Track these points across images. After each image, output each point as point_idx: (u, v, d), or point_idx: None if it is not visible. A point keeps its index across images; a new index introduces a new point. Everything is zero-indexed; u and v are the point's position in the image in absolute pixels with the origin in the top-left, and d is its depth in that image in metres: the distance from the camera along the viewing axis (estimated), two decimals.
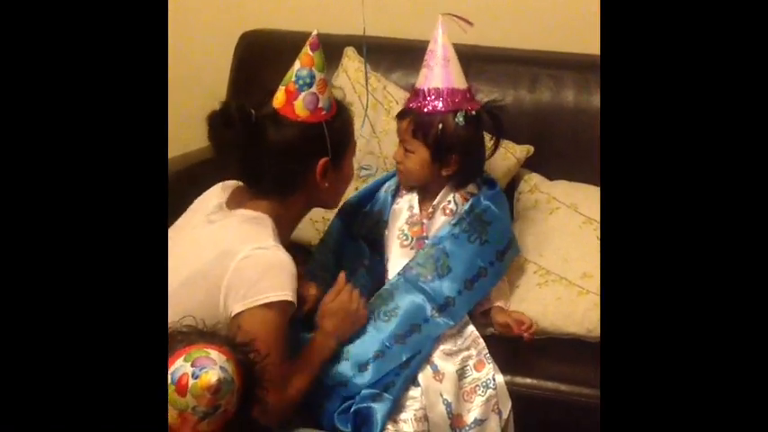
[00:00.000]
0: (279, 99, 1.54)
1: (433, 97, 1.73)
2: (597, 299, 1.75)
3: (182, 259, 1.50)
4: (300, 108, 1.52)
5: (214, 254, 1.49)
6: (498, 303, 1.78)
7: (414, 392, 1.63)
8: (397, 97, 2.07)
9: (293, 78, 1.52)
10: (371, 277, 1.80)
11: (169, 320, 1.24)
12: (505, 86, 2.11)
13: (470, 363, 1.68)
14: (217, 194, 1.63)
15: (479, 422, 1.63)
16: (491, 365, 1.67)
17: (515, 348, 1.73)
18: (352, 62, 2.14)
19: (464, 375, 1.66)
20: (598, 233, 1.84)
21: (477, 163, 1.80)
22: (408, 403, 1.62)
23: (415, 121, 1.74)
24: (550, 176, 2.05)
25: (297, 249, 1.54)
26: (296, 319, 1.58)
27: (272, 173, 1.55)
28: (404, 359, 1.63)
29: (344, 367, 1.63)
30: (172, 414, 1.12)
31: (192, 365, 1.13)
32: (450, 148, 1.73)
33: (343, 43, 2.13)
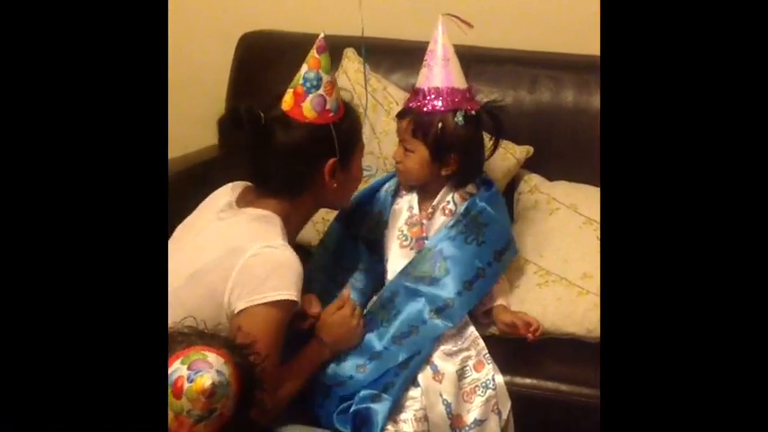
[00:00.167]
0: (287, 101, 1.56)
1: (432, 97, 1.73)
2: (597, 299, 1.75)
3: (190, 255, 1.53)
4: (308, 110, 1.55)
5: (223, 250, 1.51)
6: (500, 302, 1.78)
7: (414, 393, 1.63)
8: (397, 98, 2.07)
9: (301, 81, 1.55)
10: (371, 278, 1.80)
11: (175, 315, 1.25)
12: (505, 87, 2.11)
13: (470, 363, 1.68)
14: (226, 193, 1.65)
15: (479, 422, 1.63)
16: (491, 366, 1.67)
17: (515, 349, 1.73)
18: (352, 63, 2.14)
19: (464, 376, 1.66)
20: (598, 234, 1.84)
21: (476, 163, 1.81)
22: (408, 403, 1.62)
23: (414, 121, 1.74)
24: (550, 177, 2.05)
25: (297, 250, 1.55)
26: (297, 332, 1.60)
27: (280, 173, 1.58)
28: (401, 359, 1.64)
29: (342, 367, 1.64)
30: (168, 416, 1.12)
31: (189, 368, 1.14)
32: (449, 148, 1.73)
33: (343, 44, 2.13)
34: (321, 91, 1.55)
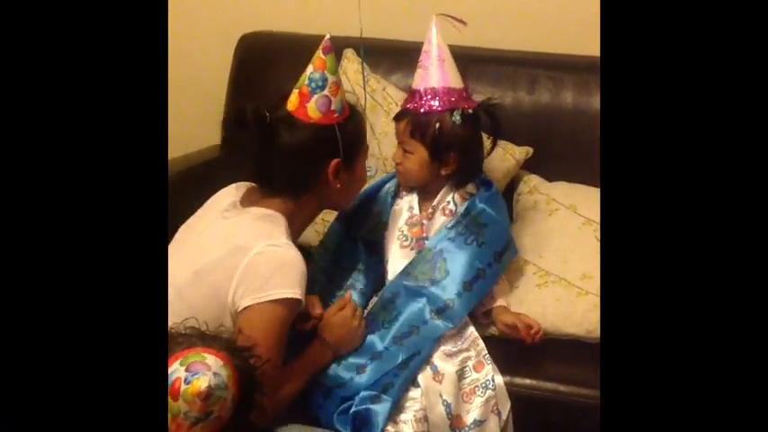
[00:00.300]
0: (292, 101, 1.57)
1: (429, 97, 1.73)
2: (597, 300, 1.75)
3: (194, 253, 1.53)
4: (313, 110, 1.56)
5: (227, 249, 1.51)
6: (500, 302, 1.78)
7: (414, 393, 1.63)
8: (396, 99, 2.07)
9: (306, 81, 1.56)
10: (371, 279, 1.80)
11: (179, 314, 1.25)
12: (505, 88, 2.11)
13: (470, 363, 1.68)
14: (231, 193, 1.66)
15: (479, 423, 1.62)
16: (490, 366, 1.67)
17: (515, 349, 1.73)
18: (351, 64, 2.14)
19: (463, 376, 1.66)
20: (597, 234, 1.84)
21: (475, 162, 1.81)
22: (408, 404, 1.62)
23: (412, 122, 1.74)
24: (550, 178, 2.05)
25: (299, 250, 1.55)
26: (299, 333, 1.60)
27: (284, 173, 1.58)
28: (401, 360, 1.64)
29: (342, 368, 1.64)
30: None
31: (187, 370, 1.13)
32: (448, 147, 1.73)
33: (342, 45, 2.13)
34: (326, 92, 1.56)
